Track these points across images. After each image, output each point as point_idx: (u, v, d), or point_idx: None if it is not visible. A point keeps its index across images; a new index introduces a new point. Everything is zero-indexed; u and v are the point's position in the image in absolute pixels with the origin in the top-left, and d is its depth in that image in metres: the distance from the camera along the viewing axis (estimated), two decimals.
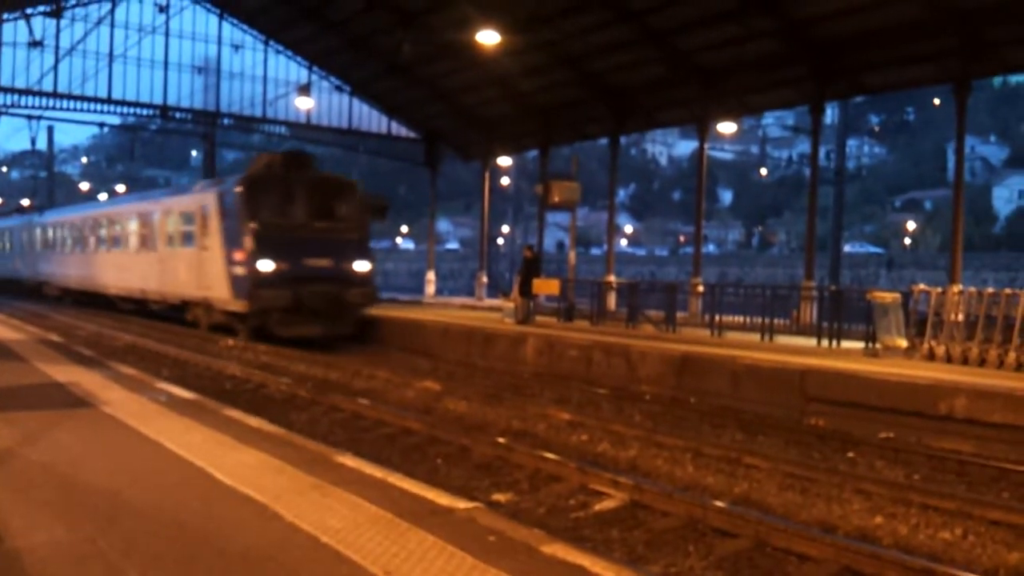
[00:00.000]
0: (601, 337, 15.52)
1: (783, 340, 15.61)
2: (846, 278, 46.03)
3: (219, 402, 8.75)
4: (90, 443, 6.43)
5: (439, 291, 36.70)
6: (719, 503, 6.63)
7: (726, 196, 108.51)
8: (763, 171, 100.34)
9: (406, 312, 21.77)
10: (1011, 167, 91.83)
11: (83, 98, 28.68)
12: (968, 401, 9.59)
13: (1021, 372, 11.30)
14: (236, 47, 31.26)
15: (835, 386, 10.91)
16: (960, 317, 12.61)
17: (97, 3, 28.21)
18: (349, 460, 6.01)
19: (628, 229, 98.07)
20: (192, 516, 4.59)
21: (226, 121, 31.98)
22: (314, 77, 31.60)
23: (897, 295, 13.87)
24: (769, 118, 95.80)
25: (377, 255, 22.23)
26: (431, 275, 34.43)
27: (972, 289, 13.07)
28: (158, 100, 30.20)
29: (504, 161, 34.58)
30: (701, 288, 22.09)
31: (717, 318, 17.18)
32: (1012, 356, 11.56)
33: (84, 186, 76.84)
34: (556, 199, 21.83)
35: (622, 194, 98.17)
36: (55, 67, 26.93)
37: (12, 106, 27.84)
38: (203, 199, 20.22)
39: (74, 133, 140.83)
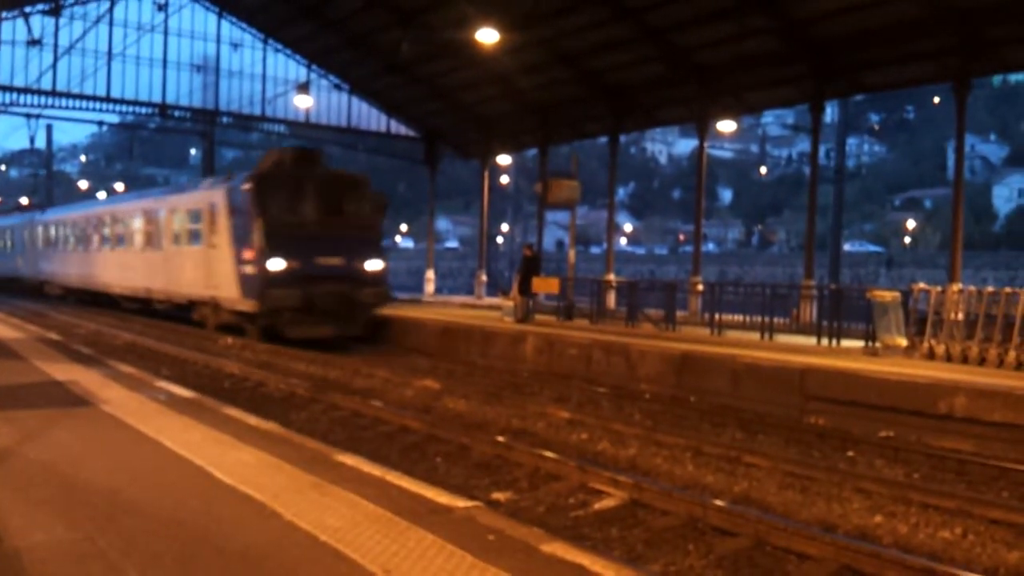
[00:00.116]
0: (601, 336, 15.52)
1: (783, 339, 15.61)
2: (846, 277, 46.02)
3: (218, 401, 8.75)
4: (89, 442, 6.42)
5: (438, 290, 36.70)
6: (719, 502, 6.63)
7: (726, 195, 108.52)
8: (763, 170, 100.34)
9: (406, 311, 21.76)
10: (1011, 165, 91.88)
11: (82, 96, 28.64)
12: (968, 400, 9.59)
13: (1021, 371, 11.30)
14: (235, 45, 31.23)
15: (835, 385, 10.91)
16: (960, 316, 12.61)
17: (96, 1, 28.16)
18: (348, 459, 6.01)
19: (628, 228, 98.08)
20: (191, 514, 4.59)
21: (225, 119, 31.93)
22: (313, 75, 31.57)
23: (897, 294, 13.87)
24: (769, 116, 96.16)
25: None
26: (430, 273, 34.41)
27: (972, 288, 13.07)
28: (157, 98, 30.16)
29: (503, 159, 34.55)
30: (701, 287, 22.09)
31: (717, 317, 17.18)
32: (1012, 355, 11.56)
33: (83, 184, 76.80)
34: (555, 198, 21.83)
35: (622, 192, 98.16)
36: (54, 65, 26.90)
37: (11, 104, 27.80)
38: (211, 196, 19.81)
39: (73, 132, 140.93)
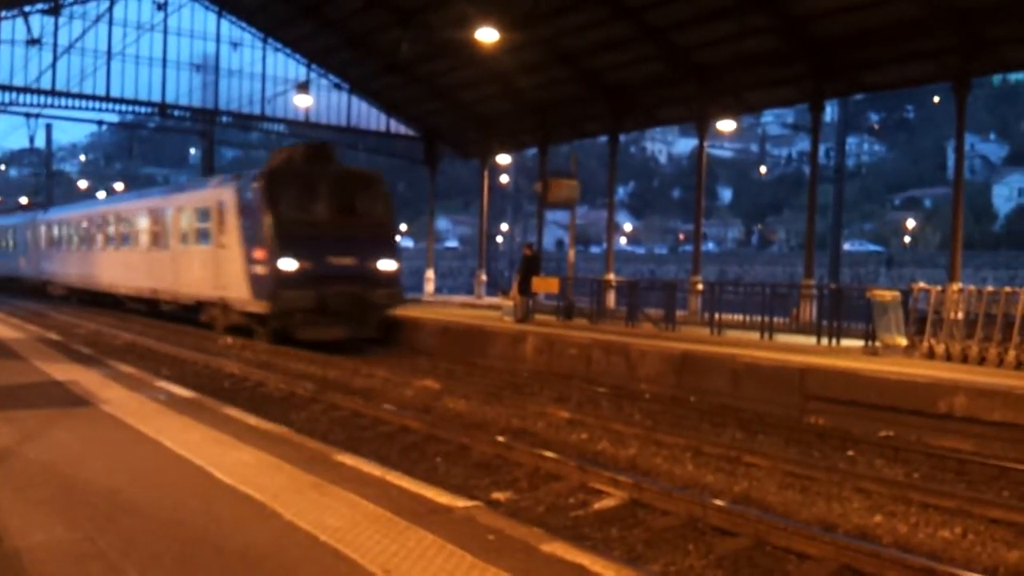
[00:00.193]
0: (600, 335, 15.52)
1: (783, 338, 15.61)
2: (846, 276, 46.05)
3: (218, 400, 8.76)
4: (89, 442, 6.42)
5: (438, 289, 36.70)
6: (719, 502, 6.62)
7: (726, 194, 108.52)
8: (763, 169, 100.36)
9: (405, 310, 21.71)
10: (1011, 165, 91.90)
11: (81, 96, 28.63)
12: (968, 399, 9.59)
13: (1021, 370, 11.29)
14: (235, 45, 31.22)
15: (835, 384, 10.90)
16: (960, 315, 12.61)
17: (95, 1, 28.16)
18: (348, 458, 6.01)
19: (627, 227, 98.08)
20: (191, 515, 4.58)
21: (224, 119, 31.93)
22: (313, 75, 31.57)
23: (897, 293, 13.87)
24: (769, 116, 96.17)
25: None
26: (430, 273, 34.40)
27: (972, 287, 13.07)
28: (156, 98, 30.15)
29: (503, 159, 34.56)
30: (700, 286, 22.09)
31: (717, 316, 17.17)
32: (1012, 354, 11.56)
33: (83, 184, 76.78)
34: (555, 197, 21.83)
35: (621, 192, 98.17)
36: (53, 65, 26.89)
37: (10, 104, 27.79)
38: (220, 194, 19.22)
39: (72, 131, 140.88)
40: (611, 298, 22.17)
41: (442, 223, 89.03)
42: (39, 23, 26.32)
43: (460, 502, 4.95)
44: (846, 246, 58.94)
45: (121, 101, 29.56)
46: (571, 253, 24.10)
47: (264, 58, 31.47)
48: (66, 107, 29.05)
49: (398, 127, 33.12)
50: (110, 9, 27.43)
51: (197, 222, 20.35)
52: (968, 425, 9.50)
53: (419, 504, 4.84)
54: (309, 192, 17.98)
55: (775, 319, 16.33)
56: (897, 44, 18.10)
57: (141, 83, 29.80)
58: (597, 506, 6.86)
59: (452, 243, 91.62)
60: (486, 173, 31.70)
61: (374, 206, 18.71)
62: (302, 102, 29.62)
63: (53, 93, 28.07)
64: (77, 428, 6.86)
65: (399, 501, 4.87)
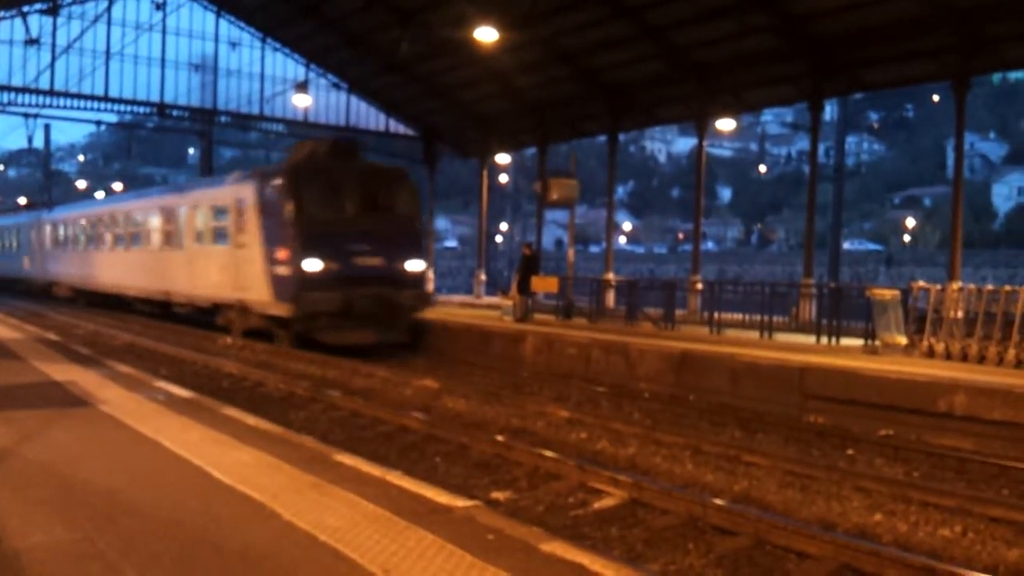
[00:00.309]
0: (600, 335, 15.51)
1: (782, 337, 15.61)
2: (845, 275, 46.07)
3: (217, 401, 8.75)
4: (88, 442, 6.41)
5: (437, 289, 36.65)
6: (718, 501, 6.62)
7: (725, 193, 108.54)
8: (762, 168, 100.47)
9: None
10: (1010, 164, 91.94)
11: (80, 96, 28.60)
12: (967, 398, 9.59)
13: (1020, 369, 11.29)
14: (233, 44, 31.19)
15: (834, 383, 10.90)
16: (959, 314, 12.61)
17: (94, 1, 28.15)
18: (347, 458, 6.00)
19: (627, 226, 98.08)
20: (190, 515, 4.58)
21: (223, 119, 31.90)
22: (312, 74, 31.55)
23: (896, 292, 13.86)
24: (768, 115, 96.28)
25: None
26: (429, 273, 34.35)
27: (971, 286, 13.07)
28: (155, 98, 30.12)
29: (502, 158, 34.54)
30: (700, 285, 22.09)
31: (716, 315, 17.17)
32: (1011, 353, 11.56)
33: (81, 184, 76.74)
34: (554, 196, 21.84)
35: (621, 191, 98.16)
36: (52, 65, 26.86)
37: (9, 104, 27.77)
38: (239, 191, 18.29)
39: (71, 131, 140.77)
40: (610, 297, 22.17)
41: (441, 223, 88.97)
42: (37, 23, 26.30)
43: (460, 502, 4.94)
44: (846, 245, 58.96)
45: (120, 101, 29.54)
46: (570, 252, 24.12)
47: (263, 58, 31.45)
48: (64, 107, 29.03)
49: (397, 126, 33.11)
50: (108, 9, 27.41)
51: (214, 221, 19.55)
52: (968, 424, 9.50)
53: (419, 504, 4.83)
54: (333, 189, 17.14)
55: (775, 318, 16.33)
56: (897, 43, 18.10)
57: (140, 83, 29.78)
58: (597, 505, 6.86)
59: (451, 243, 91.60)
60: (485, 172, 31.69)
61: (401, 204, 17.89)
62: (301, 102, 29.59)
63: (51, 93, 28.05)
64: (76, 428, 6.85)
65: (399, 501, 4.86)
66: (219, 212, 19.26)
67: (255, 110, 31.50)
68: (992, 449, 9.07)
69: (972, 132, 75.21)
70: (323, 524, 4.39)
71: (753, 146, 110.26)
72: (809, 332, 15.54)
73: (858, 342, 13.88)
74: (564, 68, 24.58)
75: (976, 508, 6.75)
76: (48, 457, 5.87)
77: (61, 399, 8.23)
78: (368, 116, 32.64)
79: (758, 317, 16.34)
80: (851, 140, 73.30)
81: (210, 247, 19.72)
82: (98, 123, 39.84)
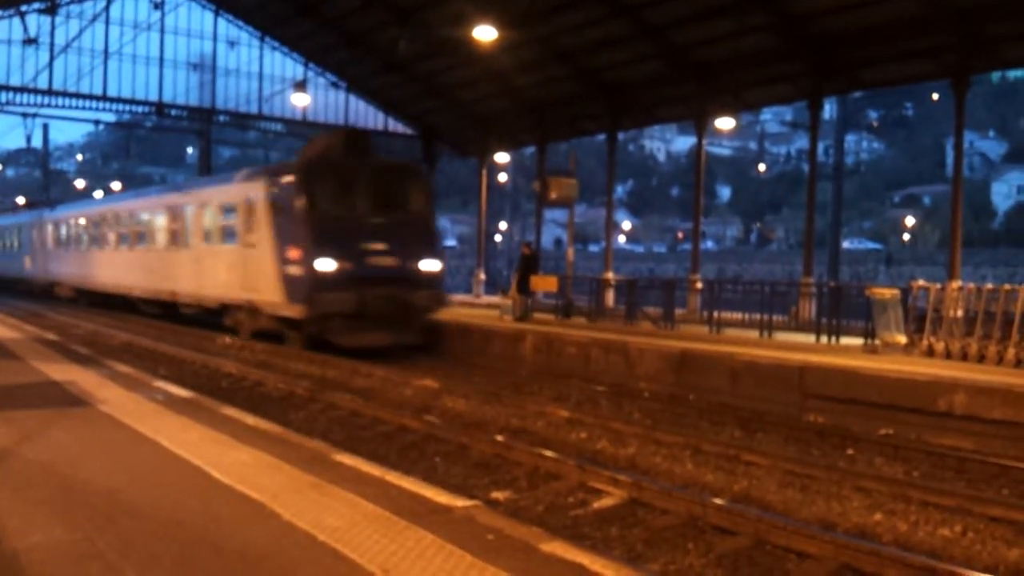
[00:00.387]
0: (599, 334, 15.51)
1: (782, 336, 15.61)
2: (845, 274, 46.09)
3: (216, 400, 8.74)
4: (87, 442, 6.40)
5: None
6: (718, 501, 6.61)
7: (724, 192, 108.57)
8: (761, 167, 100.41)
9: None
10: (1010, 162, 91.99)
11: (78, 95, 28.61)
12: (967, 397, 9.59)
13: (1020, 368, 11.29)
14: (232, 44, 31.21)
15: (834, 383, 10.90)
16: (959, 313, 12.61)
17: (92, 0, 28.14)
18: (347, 458, 5.99)
19: (626, 226, 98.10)
20: (190, 515, 4.57)
21: (222, 118, 31.92)
22: (310, 74, 31.56)
23: (896, 291, 13.86)
24: (767, 114, 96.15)
25: None
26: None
27: (971, 285, 13.07)
28: (153, 97, 30.13)
29: (501, 158, 34.55)
30: (699, 285, 22.10)
31: (716, 315, 17.17)
32: (1011, 352, 11.55)
33: (80, 184, 76.71)
34: (554, 196, 21.82)
35: (620, 190, 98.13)
36: (50, 64, 26.87)
37: (7, 104, 27.77)
38: (248, 189, 17.77)
39: (69, 130, 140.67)
40: (610, 297, 22.17)
41: (440, 222, 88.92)
42: (36, 22, 26.30)
43: (459, 502, 4.94)
44: (845, 244, 59.02)
45: (118, 100, 29.54)
46: (570, 252, 24.11)
47: (261, 57, 31.46)
48: (63, 107, 29.03)
49: (396, 126, 33.13)
50: (107, 8, 27.42)
51: (222, 219, 19.02)
52: (968, 423, 9.50)
53: (418, 504, 4.83)
54: (347, 186, 16.59)
55: (774, 317, 16.33)
56: (896, 42, 18.10)
57: (138, 82, 29.79)
58: (596, 505, 6.85)
59: (450, 242, 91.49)
60: (484, 172, 31.69)
61: (415, 201, 17.43)
62: (299, 101, 29.58)
63: (50, 93, 28.05)
64: (75, 428, 6.84)
65: (398, 501, 4.86)
66: (228, 210, 18.78)
67: (254, 109, 31.51)
68: (992, 448, 9.07)
69: (971, 131, 75.16)
70: (323, 524, 4.38)
71: (752, 145, 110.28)
72: (809, 331, 15.54)
73: (858, 341, 13.88)
74: (563, 67, 24.58)
75: (976, 508, 6.75)
76: (47, 457, 5.86)
77: (60, 399, 8.22)
78: (367, 115, 32.66)
79: (758, 316, 16.34)
80: (850, 139, 73.36)
81: (218, 246, 19.24)
82: (96, 122, 39.83)
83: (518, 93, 27.12)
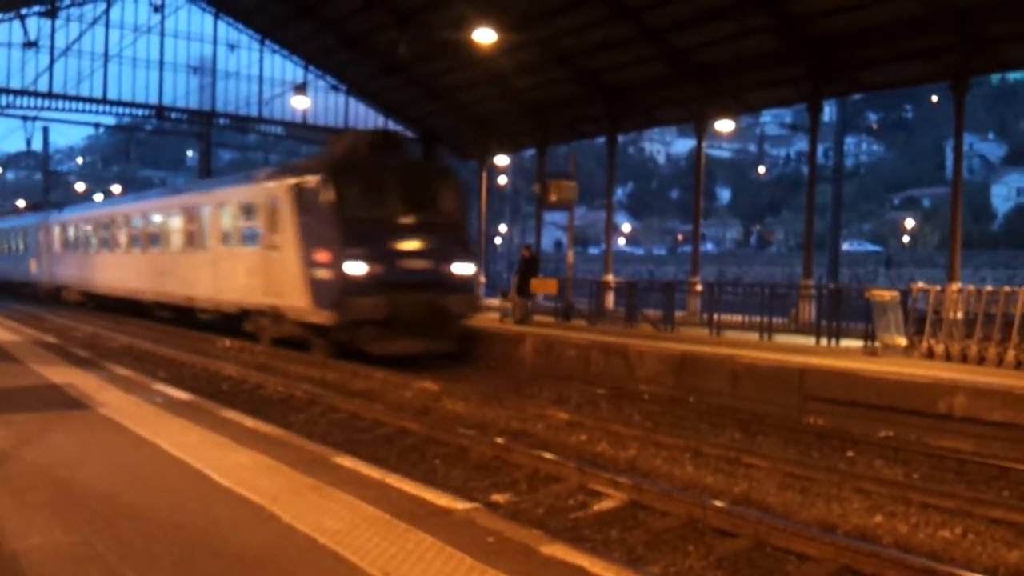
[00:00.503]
0: (599, 336, 15.50)
1: (782, 339, 15.60)
2: (845, 276, 46.11)
3: (216, 403, 8.74)
4: (87, 445, 6.40)
5: None
6: (718, 503, 6.61)
7: (724, 195, 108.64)
8: (761, 169, 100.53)
9: None
10: (1009, 164, 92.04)
11: (78, 98, 28.64)
12: (967, 399, 9.58)
13: (1020, 370, 11.29)
14: (232, 47, 31.25)
15: (834, 385, 10.89)
16: (959, 315, 12.60)
17: (92, 3, 28.19)
18: (347, 461, 5.99)
19: (626, 228, 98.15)
20: (189, 517, 4.57)
21: (222, 121, 31.96)
22: (310, 76, 31.59)
23: (896, 293, 13.86)
24: (767, 116, 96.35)
25: None
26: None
27: (971, 287, 13.07)
28: (153, 100, 30.17)
29: (501, 160, 34.56)
30: (699, 287, 22.09)
31: (716, 317, 17.17)
32: (1011, 354, 11.55)
33: (80, 187, 76.72)
34: (554, 198, 21.85)
35: (620, 193, 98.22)
36: (50, 67, 26.89)
37: (7, 107, 27.82)
38: (271, 188, 17.01)
39: (69, 133, 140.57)
40: (610, 299, 22.17)
41: None
42: (36, 25, 26.32)
43: (459, 504, 4.94)
44: (845, 246, 59.03)
45: (118, 104, 29.58)
46: (570, 254, 24.15)
47: (261, 60, 31.50)
48: (63, 110, 29.07)
49: (396, 128, 33.15)
50: (107, 11, 27.45)
51: (242, 220, 18.29)
52: (968, 425, 9.49)
53: (418, 506, 4.82)
54: (377, 186, 15.89)
55: (774, 319, 16.31)
56: (896, 43, 18.11)
57: (138, 85, 29.83)
58: (597, 508, 6.85)
59: None
60: (484, 174, 31.69)
61: (447, 202, 16.73)
62: (299, 104, 29.63)
63: (50, 96, 28.09)
64: (74, 431, 6.84)
65: (398, 503, 4.86)
66: (249, 211, 18.05)
67: (254, 112, 31.55)
68: (992, 450, 9.06)
69: (971, 133, 75.25)
70: (323, 527, 4.38)
71: (752, 147, 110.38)
72: (809, 333, 15.53)
73: (858, 343, 13.88)
74: (563, 69, 24.59)
75: (976, 510, 6.74)
76: (47, 460, 5.86)
77: (60, 402, 8.21)
78: (367, 118, 32.68)
79: (758, 318, 16.33)
80: (850, 141, 73.32)
81: (238, 248, 18.49)
82: (97, 125, 39.97)
83: (518, 95, 27.14)
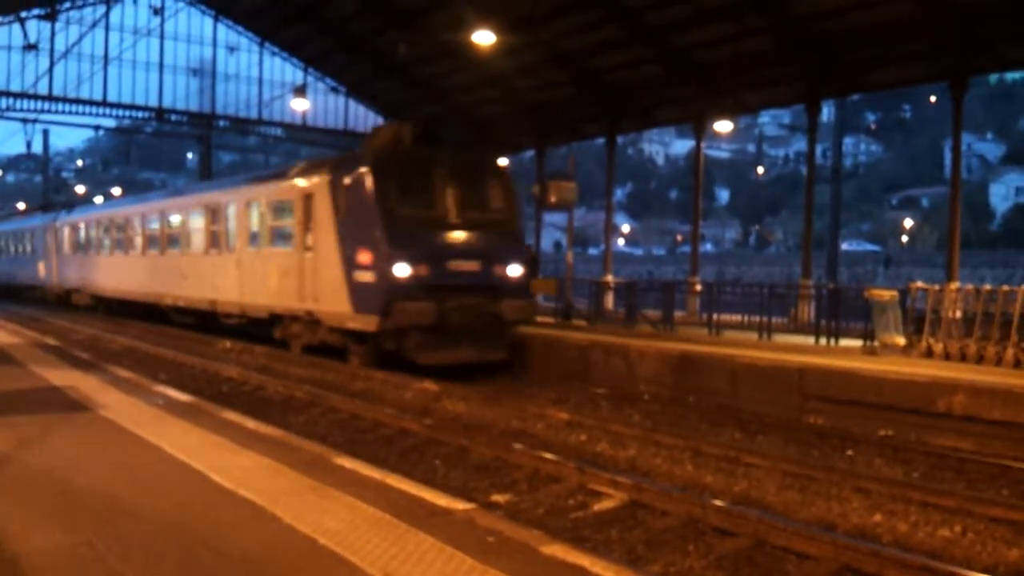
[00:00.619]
0: (599, 337, 15.51)
1: (781, 338, 15.60)
2: (844, 276, 46.10)
3: (217, 405, 8.75)
4: (88, 447, 6.41)
5: None
6: (718, 502, 6.62)
7: (723, 195, 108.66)
8: (760, 170, 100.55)
9: None
10: (1008, 164, 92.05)
11: (78, 101, 28.67)
12: (966, 398, 9.60)
13: (1019, 369, 11.30)
14: (231, 49, 31.29)
15: (834, 384, 10.91)
16: (958, 314, 12.62)
17: (92, 6, 28.21)
18: (347, 462, 6.01)
19: (625, 228, 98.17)
20: (191, 519, 4.58)
21: (222, 123, 32.00)
22: (309, 78, 31.62)
23: (895, 293, 13.87)
24: (765, 116, 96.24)
25: None
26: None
27: (969, 286, 13.09)
28: (153, 102, 30.20)
29: (501, 162, 34.53)
30: (699, 287, 22.11)
31: (715, 317, 17.17)
32: (1010, 353, 11.57)
33: (80, 189, 76.73)
34: (553, 199, 21.82)
35: (619, 193, 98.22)
36: (50, 70, 26.90)
37: (7, 110, 27.84)
38: (307, 184, 15.82)
39: (69, 136, 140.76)
40: (609, 299, 22.18)
41: None
42: (36, 28, 26.31)
43: (460, 504, 4.95)
44: (844, 246, 59.05)
45: (118, 106, 29.61)
46: (569, 255, 24.10)
47: (261, 62, 31.53)
48: (63, 112, 29.09)
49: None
50: (107, 14, 27.48)
51: (273, 219, 17.06)
52: (967, 424, 9.50)
53: (418, 507, 4.84)
54: (423, 181, 14.66)
55: (773, 319, 16.31)
56: (894, 44, 18.13)
57: (138, 88, 29.86)
58: (597, 507, 6.86)
59: None
60: None
61: (499, 198, 15.52)
62: (299, 106, 29.63)
63: (50, 98, 28.12)
64: (76, 433, 6.85)
65: (398, 504, 4.87)
66: (280, 209, 16.83)
67: (253, 114, 31.58)
68: (991, 449, 9.07)
69: (969, 132, 75.41)
70: (323, 527, 4.39)
71: (751, 148, 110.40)
72: (808, 333, 15.53)
73: (857, 343, 13.88)
74: (562, 71, 24.61)
75: (976, 508, 6.76)
76: (48, 462, 5.87)
77: (61, 404, 8.22)
78: (367, 119, 32.71)
79: (757, 318, 16.33)
80: (848, 141, 73.44)
81: (268, 249, 17.25)
82: (97, 128, 39.88)
83: (517, 97, 27.16)
